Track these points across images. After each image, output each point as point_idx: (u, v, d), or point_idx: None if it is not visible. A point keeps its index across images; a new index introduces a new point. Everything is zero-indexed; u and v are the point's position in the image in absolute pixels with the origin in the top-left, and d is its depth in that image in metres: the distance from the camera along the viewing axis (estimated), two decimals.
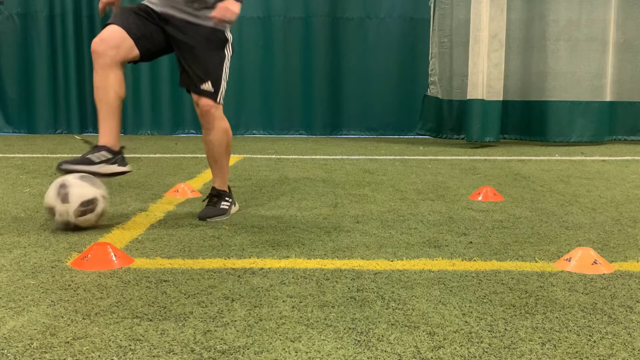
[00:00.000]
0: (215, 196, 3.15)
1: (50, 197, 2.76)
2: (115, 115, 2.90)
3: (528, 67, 6.75)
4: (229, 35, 3.10)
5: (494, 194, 3.68)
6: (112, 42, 2.85)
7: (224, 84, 3.05)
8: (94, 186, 2.80)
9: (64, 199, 2.73)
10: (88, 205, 2.77)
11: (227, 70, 3.07)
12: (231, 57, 3.12)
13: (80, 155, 2.90)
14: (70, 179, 2.77)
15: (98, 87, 2.86)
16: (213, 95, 2.99)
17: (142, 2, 3.07)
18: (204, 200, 3.22)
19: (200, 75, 2.97)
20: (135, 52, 2.92)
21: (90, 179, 2.80)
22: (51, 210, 2.77)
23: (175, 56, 3.08)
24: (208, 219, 3.04)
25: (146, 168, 4.87)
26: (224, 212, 3.11)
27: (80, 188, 2.75)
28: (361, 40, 7.96)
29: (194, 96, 3.00)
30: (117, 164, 2.92)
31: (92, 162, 2.85)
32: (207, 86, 2.97)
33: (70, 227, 2.79)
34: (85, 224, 2.80)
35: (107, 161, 2.89)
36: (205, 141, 3.11)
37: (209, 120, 3.02)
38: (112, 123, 2.90)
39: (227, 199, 3.16)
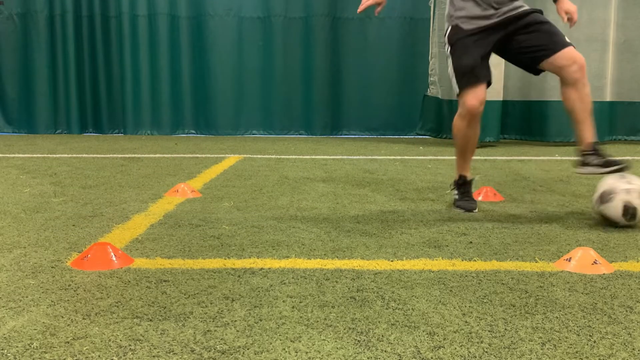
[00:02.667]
0: (594, 150, 3.15)
1: (618, 216, 2.91)
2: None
3: None
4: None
5: (494, 194, 3.68)
6: (483, 100, 3.19)
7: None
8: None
9: (632, 217, 2.90)
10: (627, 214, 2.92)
11: None
12: None
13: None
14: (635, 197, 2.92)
15: (464, 136, 3.28)
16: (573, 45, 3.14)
17: (470, 26, 3.20)
18: (581, 165, 3.20)
19: (558, 32, 3.13)
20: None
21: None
22: (609, 193, 2.92)
23: (510, 52, 3.26)
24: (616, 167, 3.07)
25: (146, 168, 4.87)
26: (472, 208, 3.30)
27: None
28: (361, 41, 7.95)
29: (570, 52, 3.08)
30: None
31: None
32: (569, 40, 3.13)
33: (628, 214, 2.90)
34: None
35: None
36: (581, 96, 3.19)
37: (585, 74, 3.14)
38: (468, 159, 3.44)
39: (599, 150, 3.18)
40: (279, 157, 5.69)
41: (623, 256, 2.49)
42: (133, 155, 5.67)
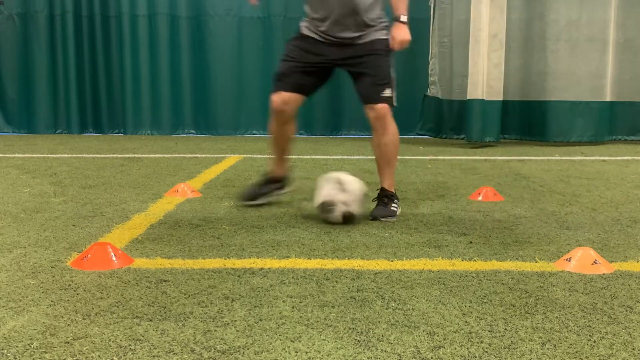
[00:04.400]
0: (386, 197, 3.22)
1: (326, 191, 3.00)
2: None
3: (528, 67, 6.75)
4: (387, 39, 3.30)
5: (494, 194, 3.68)
6: (289, 104, 3.27)
7: (394, 90, 3.27)
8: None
9: (343, 189, 2.99)
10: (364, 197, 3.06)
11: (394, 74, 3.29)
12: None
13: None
14: (343, 176, 3.06)
15: (274, 134, 3.36)
16: (390, 100, 3.20)
17: (302, 32, 3.32)
18: (373, 200, 3.24)
19: (380, 83, 3.18)
20: (302, 100, 3.34)
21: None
22: (329, 204, 2.96)
23: (351, 76, 3.30)
24: (382, 219, 3.10)
25: (146, 168, 4.87)
26: (394, 213, 3.17)
27: (357, 182, 3.08)
28: None
29: (370, 104, 3.18)
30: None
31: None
32: (387, 92, 3.18)
33: (348, 219, 2.97)
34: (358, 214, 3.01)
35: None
36: (378, 144, 3.25)
37: (385, 124, 3.20)
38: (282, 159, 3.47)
39: (396, 201, 3.23)
40: None
41: (623, 256, 2.49)
42: (133, 155, 5.66)
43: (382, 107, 3.17)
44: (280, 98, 3.25)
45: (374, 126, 3.22)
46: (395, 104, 3.27)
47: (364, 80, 3.19)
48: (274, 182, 3.47)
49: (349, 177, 3.09)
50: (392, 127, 3.24)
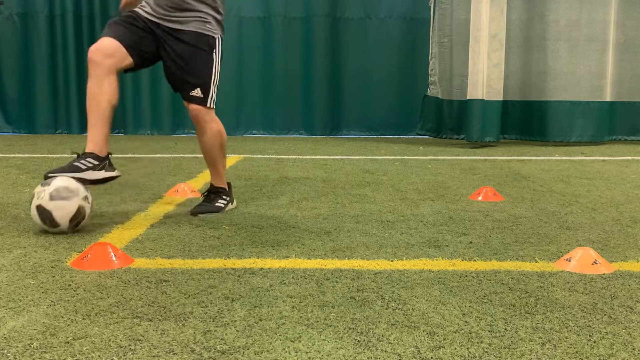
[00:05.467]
0: (212, 193, 3.23)
1: (39, 224, 2.74)
2: (106, 122, 2.94)
3: (528, 67, 6.76)
4: (218, 39, 3.10)
5: (494, 194, 3.68)
6: (107, 51, 2.89)
7: (213, 88, 3.07)
8: (70, 197, 2.72)
9: (52, 223, 2.72)
10: (77, 218, 2.74)
11: (218, 74, 3.09)
12: (221, 60, 3.13)
13: (67, 163, 2.90)
14: (45, 200, 2.69)
15: (91, 94, 2.89)
16: (202, 101, 3.04)
17: (133, 9, 3.10)
18: (202, 195, 3.27)
19: (191, 80, 3.01)
20: (129, 60, 2.96)
21: (64, 190, 2.72)
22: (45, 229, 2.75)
23: (162, 62, 3.10)
24: (200, 215, 3.09)
25: (146, 168, 4.87)
26: (218, 209, 3.16)
27: (61, 209, 2.69)
28: (361, 41, 7.96)
29: (184, 101, 3.07)
30: (104, 170, 2.92)
31: (79, 169, 2.84)
32: (197, 92, 3.02)
33: (44, 215, 2.72)
34: (83, 228, 2.81)
35: (94, 167, 2.88)
36: (200, 142, 3.19)
37: (200, 124, 3.10)
38: (102, 129, 2.93)
39: (224, 197, 3.21)
40: (279, 157, 5.69)
41: (623, 256, 2.49)
42: (133, 155, 5.66)
43: (197, 107, 3.04)
44: (99, 44, 2.92)
45: (194, 124, 3.13)
46: (212, 106, 3.08)
47: (176, 72, 3.02)
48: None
49: (62, 176, 2.79)
50: (210, 128, 3.10)
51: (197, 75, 3.02)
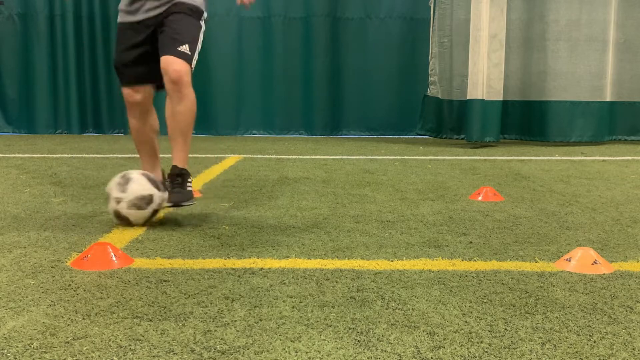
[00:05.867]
0: (178, 175, 2.96)
1: (110, 185, 2.91)
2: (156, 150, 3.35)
3: (528, 67, 6.75)
4: (204, 14, 3.12)
5: (494, 194, 3.68)
6: (141, 95, 3.13)
7: (196, 53, 3.01)
8: (154, 187, 2.92)
9: (128, 224, 2.88)
10: (152, 217, 2.92)
11: (200, 43, 3.05)
12: (204, 32, 3.13)
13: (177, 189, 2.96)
14: (124, 208, 2.86)
15: (137, 132, 3.23)
16: (189, 59, 2.92)
17: (122, 23, 3.11)
18: (165, 182, 3.05)
19: (177, 37, 2.92)
20: (155, 88, 3.16)
21: (139, 200, 2.86)
22: (107, 198, 2.91)
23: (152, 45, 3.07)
24: (183, 204, 2.90)
25: None
26: (191, 195, 2.95)
27: (137, 216, 2.87)
28: (361, 40, 7.95)
29: (167, 60, 2.88)
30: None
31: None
32: (185, 48, 2.91)
33: (121, 218, 2.88)
34: (136, 218, 2.88)
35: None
36: (174, 112, 2.93)
37: (181, 88, 2.88)
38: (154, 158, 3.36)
39: (189, 179, 3.00)
40: (279, 157, 5.69)
41: (623, 256, 2.49)
42: (133, 155, 5.66)
43: (180, 64, 2.86)
44: (130, 92, 3.15)
45: (169, 91, 2.91)
46: (192, 66, 2.97)
47: (162, 37, 2.96)
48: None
49: (137, 175, 2.91)
50: (189, 93, 2.94)
51: (185, 34, 2.94)
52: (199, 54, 3.04)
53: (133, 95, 3.10)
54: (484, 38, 6.40)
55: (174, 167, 2.99)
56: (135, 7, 3.03)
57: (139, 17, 3.03)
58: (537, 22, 6.65)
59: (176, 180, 2.95)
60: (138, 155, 3.37)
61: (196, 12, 3.05)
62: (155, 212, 2.92)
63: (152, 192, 2.88)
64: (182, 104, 2.92)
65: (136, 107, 3.13)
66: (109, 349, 1.60)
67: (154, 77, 3.06)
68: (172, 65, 2.87)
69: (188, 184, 2.96)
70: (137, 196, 2.84)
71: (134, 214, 2.85)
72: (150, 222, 2.94)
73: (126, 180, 2.88)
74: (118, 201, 2.84)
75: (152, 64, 3.02)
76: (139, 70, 3.08)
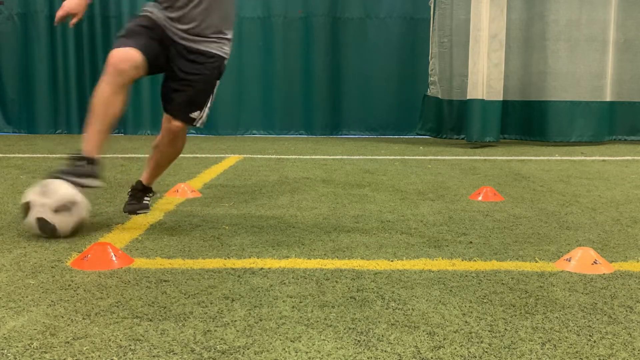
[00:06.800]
0: (140, 191, 3.23)
1: (36, 232, 2.65)
2: (110, 130, 2.92)
3: (528, 67, 6.75)
4: (225, 63, 3.06)
5: (494, 194, 3.68)
6: (133, 63, 2.78)
7: (207, 108, 3.03)
8: (74, 210, 2.67)
9: (53, 234, 2.65)
10: (78, 228, 2.71)
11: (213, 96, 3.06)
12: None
13: (72, 166, 2.77)
14: (49, 214, 2.62)
15: (105, 98, 2.77)
16: (195, 121, 3.01)
17: (146, 12, 3.00)
18: (129, 193, 3.25)
19: (194, 102, 2.96)
20: (144, 72, 2.88)
21: (69, 203, 2.65)
22: (26, 206, 2.63)
23: (166, 76, 3.02)
24: (138, 212, 3.17)
25: None
26: (147, 206, 3.24)
27: (65, 223, 2.65)
28: (361, 40, 7.96)
29: (174, 119, 2.98)
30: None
31: (91, 175, 2.79)
32: (196, 114, 2.99)
33: (47, 231, 2.65)
34: (62, 226, 2.65)
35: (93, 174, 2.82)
36: (162, 149, 3.10)
37: (175, 139, 3.05)
38: (106, 136, 2.89)
39: (149, 194, 3.27)
40: (279, 157, 5.69)
41: (623, 256, 2.49)
42: (133, 155, 5.67)
43: (183, 124, 2.99)
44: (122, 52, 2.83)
45: (164, 135, 3.04)
46: (201, 125, 3.05)
47: (179, 95, 2.95)
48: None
49: (59, 183, 2.66)
50: (181, 142, 3.11)
51: (201, 99, 2.98)
52: None
53: (128, 60, 2.75)
54: (484, 38, 6.40)
55: (139, 182, 3.24)
56: (176, 16, 2.92)
57: (173, 32, 2.93)
58: (537, 22, 6.66)
59: (137, 194, 3.23)
60: (88, 133, 2.86)
61: (219, 71, 3.02)
62: (84, 222, 2.73)
63: (82, 198, 2.69)
64: (171, 148, 3.12)
65: (122, 75, 2.75)
66: (109, 349, 1.60)
67: (156, 64, 2.89)
68: (176, 124, 2.99)
69: (146, 198, 3.25)
70: (66, 199, 2.63)
71: (62, 220, 2.63)
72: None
73: (45, 185, 2.64)
74: (40, 206, 2.59)
75: (162, 57, 2.91)
76: (151, 46, 2.84)
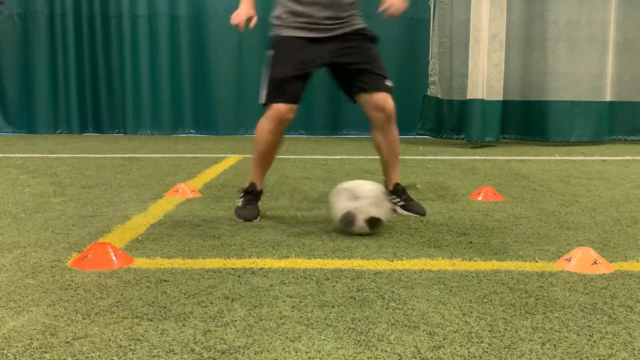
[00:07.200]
0: (404, 192, 3.26)
1: (340, 204, 2.76)
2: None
3: (528, 67, 6.75)
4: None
5: (494, 194, 3.68)
6: (292, 115, 3.07)
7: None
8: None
9: (355, 197, 2.77)
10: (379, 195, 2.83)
11: None
12: None
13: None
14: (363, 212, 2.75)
15: (273, 144, 3.10)
16: (392, 91, 3.11)
17: (292, 35, 3.10)
18: (398, 203, 3.23)
19: (382, 73, 3.07)
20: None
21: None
22: (348, 217, 2.73)
23: (331, 73, 3.17)
24: (423, 214, 3.17)
25: (146, 168, 4.87)
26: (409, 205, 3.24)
27: (368, 184, 2.85)
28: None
29: (383, 97, 3.05)
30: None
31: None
32: (390, 82, 3.08)
33: (378, 226, 2.79)
34: (385, 215, 2.83)
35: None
36: (389, 142, 3.19)
37: (393, 122, 3.13)
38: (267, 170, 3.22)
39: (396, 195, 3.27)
40: (279, 157, 5.67)
41: (623, 256, 2.49)
42: (133, 155, 5.67)
43: (392, 101, 3.09)
44: (288, 108, 3.05)
45: (382, 124, 3.13)
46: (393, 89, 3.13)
47: (366, 74, 3.07)
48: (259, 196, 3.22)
49: (358, 182, 2.88)
50: (395, 124, 3.20)
51: (382, 67, 3.10)
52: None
53: (289, 113, 3.04)
54: (484, 38, 6.39)
55: (397, 184, 3.28)
56: (310, 22, 3.03)
57: (316, 34, 3.03)
58: (537, 22, 6.65)
59: (405, 194, 3.26)
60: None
61: (373, 38, 3.19)
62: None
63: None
64: (394, 134, 3.19)
65: (286, 124, 3.06)
66: (109, 349, 1.60)
67: (302, 96, 3.11)
68: (388, 102, 3.08)
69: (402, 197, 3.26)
70: (376, 194, 2.81)
71: (379, 212, 2.77)
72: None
73: (352, 190, 2.79)
74: (363, 209, 2.72)
75: (307, 83, 3.12)
76: (300, 87, 3.08)
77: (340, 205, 2.77)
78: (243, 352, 1.58)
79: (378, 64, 3.10)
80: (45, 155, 5.72)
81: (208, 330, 1.72)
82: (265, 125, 3.08)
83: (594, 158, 5.69)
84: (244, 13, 3.15)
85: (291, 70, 3.03)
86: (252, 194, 3.13)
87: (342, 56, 3.07)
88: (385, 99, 3.08)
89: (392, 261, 2.39)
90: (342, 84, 3.19)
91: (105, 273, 2.21)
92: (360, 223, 2.73)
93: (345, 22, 3.06)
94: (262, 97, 3.12)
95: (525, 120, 6.91)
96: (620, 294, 2.04)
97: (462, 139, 6.95)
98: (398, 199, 3.24)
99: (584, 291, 2.06)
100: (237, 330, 1.72)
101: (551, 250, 2.57)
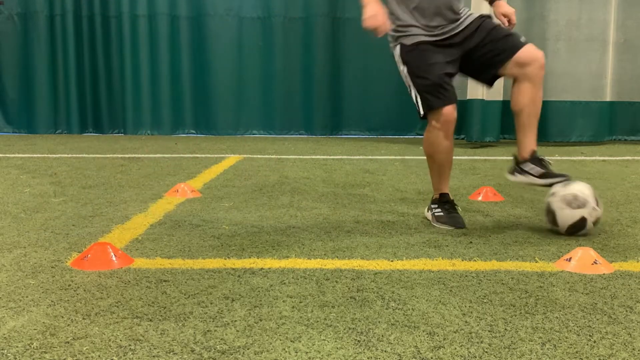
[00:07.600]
0: (541, 161, 2.94)
1: (568, 213, 2.79)
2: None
3: None
4: None
5: (494, 194, 3.68)
6: (456, 113, 2.94)
7: None
8: (577, 207, 2.80)
9: (553, 223, 2.83)
10: (576, 227, 2.81)
11: None
12: None
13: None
14: (556, 201, 2.80)
15: (449, 149, 2.99)
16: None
17: (418, 41, 2.97)
18: (514, 172, 3.01)
19: (512, 32, 2.94)
20: None
21: (572, 199, 2.80)
22: (580, 225, 2.78)
23: (467, 67, 3.01)
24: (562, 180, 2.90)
25: (146, 168, 4.87)
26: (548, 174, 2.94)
27: (564, 215, 2.81)
28: (361, 40, 7.94)
29: (529, 49, 2.88)
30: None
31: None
32: (524, 38, 2.93)
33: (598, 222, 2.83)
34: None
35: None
36: (535, 98, 2.91)
37: (544, 65, 2.89)
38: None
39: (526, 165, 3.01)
40: (279, 157, 5.69)
41: (623, 256, 2.49)
42: (133, 155, 5.67)
43: (534, 46, 2.88)
44: (452, 107, 2.91)
45: (535, 77, 2.88)
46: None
47: (498, 41, 2.90)
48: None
49: (575, 186, 2.83)
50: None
51: (508, 30, 2.97)
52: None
53: (454, 112, 2.90)
54: None
55: (534, 151, 2.95)
56: (426, 31, 2.94)
57: (438, 38, 2.95)
58: (537, 22, 6.65)
59: (541, 162, 2.95)
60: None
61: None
62: (584, 222, 2.79)
63: (587, 199, 2.79)
64: (541, 90, 2.94)
65: (453, 124, 2.93)
66: (109, 349, 1.60)
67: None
68: (535, 51, 2.88)
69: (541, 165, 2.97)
70: (593, 193, 2.81)
71: (563, 212, 2.78)
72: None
73: (576, 198, 2.79)
74: (591, 214, 2.77)
75: (453, 79, 2.98)
76: (452, 84, 2.95)
77: (569, 213, 2.78)
78: (243, 352, 1.58)
79: (503, 29, 2.95)
80: (45, 155, 5.72)
81: (208, 331, 1.72)
82: (436, 133, 2.95)
83: (594, 158, 5.69)
84: (380, 13, 2.78)
85: (438, 70, 2.91)
86: (448, 203, 3.05)
87: (470, 40, 2.93)
88: (529, 50, 2.88)
89: (392, 261, 2.39)
90: (482, 67, 3.00)
91: (105, 273, 2.21)
92: (590, 226, 2.80)
93: (458, 22, 2.97)
94: (421, 109, 3.04)
95: None
96: (620, 294, 2.04)
97: (462, 138, 6.95)
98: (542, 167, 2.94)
99: (584, 291, 2.06)
100: (237, 331, 1.72)
101: (551, 250, 2.57)
